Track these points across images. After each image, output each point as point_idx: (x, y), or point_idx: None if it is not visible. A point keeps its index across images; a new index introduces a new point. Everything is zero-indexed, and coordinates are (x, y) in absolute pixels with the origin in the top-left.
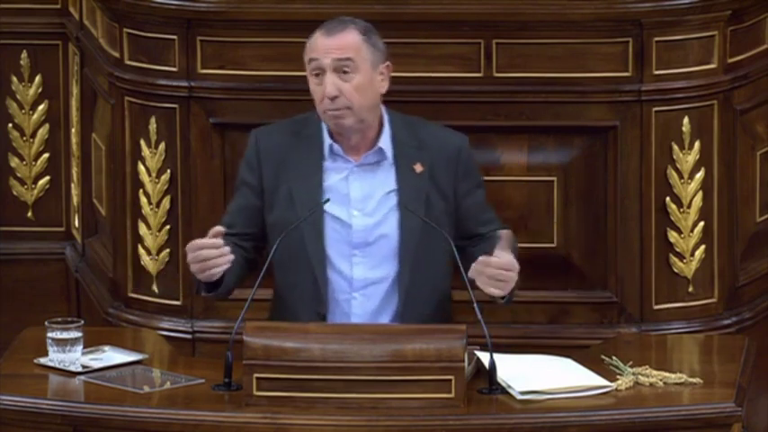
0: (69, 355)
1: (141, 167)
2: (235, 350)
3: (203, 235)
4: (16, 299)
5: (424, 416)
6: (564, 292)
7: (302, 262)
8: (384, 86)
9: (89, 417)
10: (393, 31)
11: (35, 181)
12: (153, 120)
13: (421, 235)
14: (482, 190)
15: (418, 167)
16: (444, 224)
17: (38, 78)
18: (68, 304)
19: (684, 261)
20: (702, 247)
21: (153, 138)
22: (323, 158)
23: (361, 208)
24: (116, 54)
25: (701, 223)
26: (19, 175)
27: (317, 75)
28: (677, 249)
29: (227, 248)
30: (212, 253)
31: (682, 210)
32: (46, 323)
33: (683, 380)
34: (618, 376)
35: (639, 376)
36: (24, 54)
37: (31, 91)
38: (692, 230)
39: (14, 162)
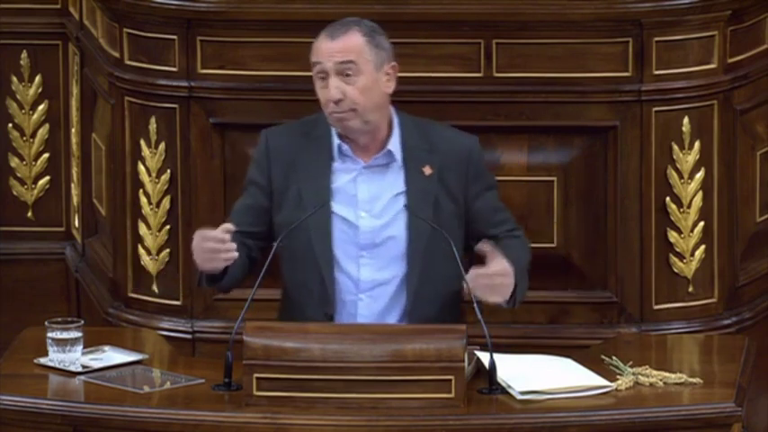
0: (69, 355)
1: (141, 167)
2: (235, 350)
3: None
4: (16, 299)
5: (424, 416)
6: (564, 292)
7: (310, 262)
8: (390, 87)
9: (89, 417)
10: (393, 31)
11: (35, 181)
12: (153, 120)
13: (429, 237)
14: (493, 192)
15: (427, 170)
16: (453, 226)
17: (38, 78)
18: (68, 304)
19: (684, 261)
20: (702, 247)
21: (153, 138)
22: (332, 159)
23: (368, 209)
24: (116, 54)
25: (701, 223)
26: (19, 175)
27: (321, 78)
28: (677, 249)
29: (233, 245)
30: (217, 246)
31: (682, 210)
32: (46, 323)
33: (683, 380)
34: (618, 376)
35: (639, 376)
36: (24, 54)
37: (31, 91)
38: (692, 230)
39: (14, 162)
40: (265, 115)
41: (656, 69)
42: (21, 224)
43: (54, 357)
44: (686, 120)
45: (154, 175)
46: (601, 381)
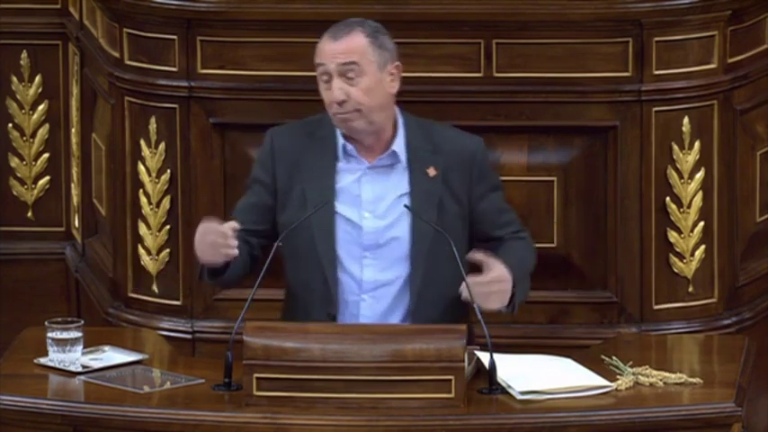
0: (69, 355)
1: (141, 167)
2: (235, 350)
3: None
4: (16, 299)
5: (424, 416)
6: (564, 292)
7: (313, 262)
8: (394, 87)
9: (89, 417)
10: (393, 31)
11: (35, 181)
12: (153, 120)
13: (433, 238)
14: (498, 193)
15: (432, 171)
16: (458, 228)
17: (38, 78)
18: (68, 304)
19: (684, 261)
20: (702, 247)
21: (153, 138)
22: (337, 159)
23: (372, 210)
24: (116, 54)
25: (701, 223)
26: (19, 175)
27: (325, 80)
28: (677, 249)
29: (235, 242)
30: (218, 241)
31: (682, 210)
32: (46, 323)
33: (683, 380)
34: (618, 376)
35: (639, 376)
36: (24, 54)
37: (31, 91)
38: (692, 230)
39: (14, 162)
40: (265, 115)
41: (656, 69)
42: (21, 224)
43: (54, 357)
44: (686, 120)
45: (154, 175)
46: (601, 381)
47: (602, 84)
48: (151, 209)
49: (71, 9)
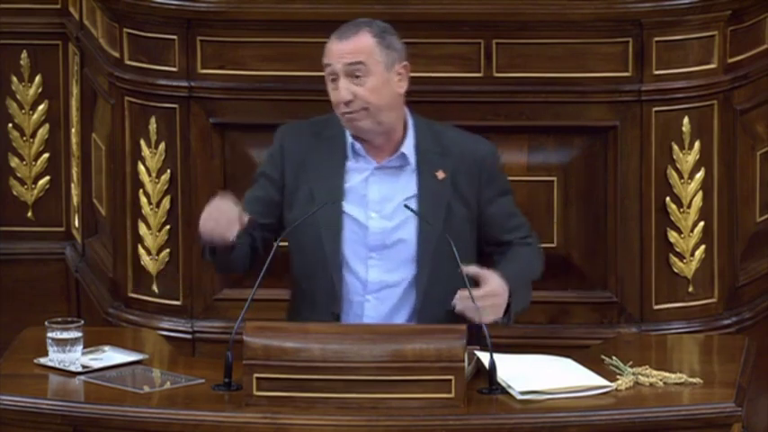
0: (69, 355)
1: (141, 167)
2: (235, 350)
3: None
4: (16, 299)
5: (424, 416)
6: (564, 292)
7: (319, 260)
8: (403, 86)
9: (89, 417)
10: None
11: (35, 181)
12: (153, 120)
13: (439, 240)
14: (508, 197)
15: (440, 174)
16: (465, 231)
17: (38, 78)
18: (68, 304)
19: (684, 261)
20: (702, 247)
21: (153, 138)
22: (346, 158)
23: (378, 210)
24: (116, 54)
25: (701, 223)
26: (19, 175)
27: (332, 80)
28: (677, 249)
29: (236, 227)
30: (221, 222)
31: (682, 210)
32: (46, 323)
33: (683, 380)
34: (618, 376)
35: (639, 376)
36: (24, 54)
37: (31, 91)
38: (692, 230)
39: (14, 162)
40: (265, 115)
41: (656, 69)
42: (21, 224)
43: (54, 357)
44: (686, 120)
45: (154, 175)
46: (601, 381)
47: (602, 84)
48: (151, 209)
49: (71, 9)
